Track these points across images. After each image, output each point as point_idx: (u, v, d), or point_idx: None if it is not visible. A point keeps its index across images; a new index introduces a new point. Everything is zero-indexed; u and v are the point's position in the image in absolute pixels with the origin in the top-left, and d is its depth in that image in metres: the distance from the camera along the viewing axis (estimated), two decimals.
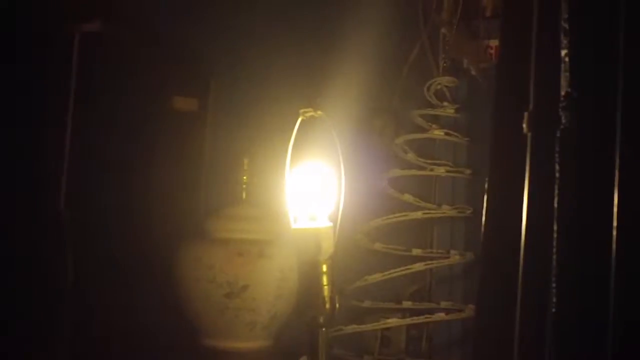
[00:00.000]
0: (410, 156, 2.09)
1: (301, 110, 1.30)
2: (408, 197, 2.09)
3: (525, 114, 0.93)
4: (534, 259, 0.88)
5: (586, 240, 0.82)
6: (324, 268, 1.25)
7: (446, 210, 2.08)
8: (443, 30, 2.10)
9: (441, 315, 2.00)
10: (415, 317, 2.01)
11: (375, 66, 2.14)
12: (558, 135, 0.84)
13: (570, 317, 0.85)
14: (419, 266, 2.01)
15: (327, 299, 1.25)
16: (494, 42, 2.05)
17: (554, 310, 0.82)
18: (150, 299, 2.02)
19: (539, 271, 0.86)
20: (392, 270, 2.00)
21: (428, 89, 2.11)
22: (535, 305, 0.87)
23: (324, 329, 1.26)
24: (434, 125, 2.13)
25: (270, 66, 2.16)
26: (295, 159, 1.32)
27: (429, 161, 2.12)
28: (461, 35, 2.06)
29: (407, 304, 2.10)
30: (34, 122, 1.71)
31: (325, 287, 1.25)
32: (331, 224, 1.28)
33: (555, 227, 0.82)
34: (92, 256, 1.88)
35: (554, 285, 0.81)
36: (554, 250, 0.82)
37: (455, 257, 2.06)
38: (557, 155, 0.84)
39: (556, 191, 0.83)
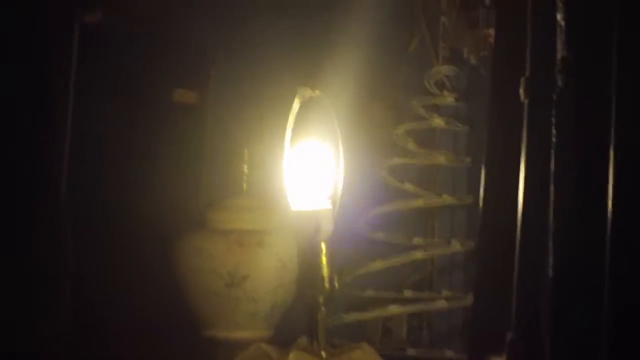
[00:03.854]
0: (411, 145, 2.09)
1: (299, 90, 1.30)
2: (409, 186, 2.09)
3: (522, 79, 0.93)
4: (531, 225, 0.88)
5: (583, 202, 0.82)
6: (323, 248, 1.25)
7: (447, 199, 2.08)
8: (443, 19, 2.10)
9: (442, 303, 1.99)
10: (416, 305, 2.01)
11: (376, 55, 2.14)
12: (554, 98, 0.84)
13: (567, 289, 0.85)
14: (420, 254, 2.01)
15: (326, 278, 1.25)
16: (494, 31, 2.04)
17: (552, 275, 0.82)
18: (151, 291, 2.02)
19: (536, 235, 0.86)
20: (393, 258, 1.99)
21: (428, 78, 2.11)
22: (532, 273, 0.87)
23: (323, 308, 1.26)
24: (434, 115, 2.12)
25: (269, 54, 2.16)
26: (294, 141, 1.32)
27: (429, 150, 2.12)
28: (461, 24, 2.05)
29: (408, 293, 2.09)
30: (34, 115, 1.71)
31: (324, 266, 1.25)
32: (330, 206, 1.27)
33: (552, 190, 0.82)
34: (93, 249, 1.88)
35: (551, 249, 0.81)
36: (551, 215, 0.82)
37: (456, 245, 2.06)
38: (553, 119, 0.84)
39: (553, 155, 0.83)
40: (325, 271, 1.24)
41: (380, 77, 2.19)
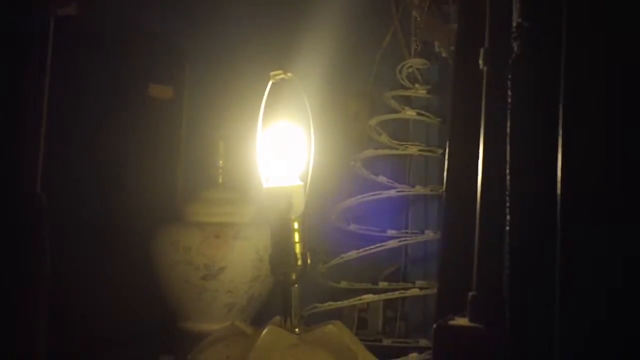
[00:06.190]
0: (384, 137, 2.12)
1: (272, 73, 1.32)
2: (382, 179, 2.12)
3: (481, 51, 0.97)
4: (490, 188, 0.91)
5: (535, 162, 0.85)
6: (295, 225, 1.26)
7: (419, 190, 2.11)
8: (415, 14, 2.14)
9: (415, 291, 2.02)
10: (390, 293, 2.03)
11: (349, 51, 2.17)
12: (510, 64, 0.88)
13: (523, 247, 0.88)
14: (393, 243, 2.03)
15: (299, 255, 1.25)
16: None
17: (509, 234, 0.85)
18: (128, 284, 2.02)
19: (496, 196, 0.89)
20: (367, 248, 2.01)
21: (400, 71, 2.14)
22: (491, 236, 0.90)
23: (296, 286, 1.27)
24: (406, 107, 2.16)
25: (243, 48, 2.19)
26: (266, 123, 1.34)
27: (402, 142, 2.15)
28: (432, 18, 2.09)
29: (383, 284, 2.11)
30: (9, 106, 1.71)
31: (297, 244, 1.26)
32: (302, 183, 1.29)
33: (508, 151, 0.85)
34: (69, 243, 1.89)
35: (507, 206, 0.85)
36: (508, 176, 0.85)
37: (429, 234, 2.09)
38: (508, 82, 0.88)
39: (508, 117, 0.86)
40: (297, 249, 1.25)
41: (354, 70, 2.22)
